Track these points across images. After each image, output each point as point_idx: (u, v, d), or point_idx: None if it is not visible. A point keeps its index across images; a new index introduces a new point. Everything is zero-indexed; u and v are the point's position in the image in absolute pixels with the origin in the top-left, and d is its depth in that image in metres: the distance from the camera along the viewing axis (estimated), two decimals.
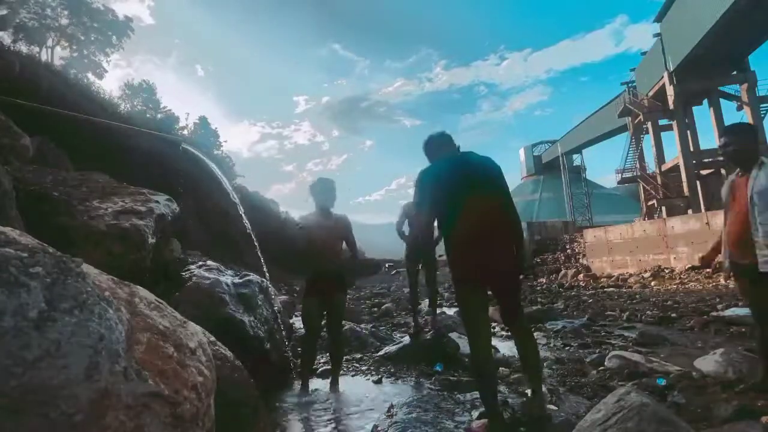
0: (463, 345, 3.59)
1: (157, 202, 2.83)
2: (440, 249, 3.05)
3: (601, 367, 3.20)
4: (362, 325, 5.03)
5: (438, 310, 4.44)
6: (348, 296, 3.74)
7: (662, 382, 2.66)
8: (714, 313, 5.22)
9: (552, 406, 2.43)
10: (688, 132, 22.50)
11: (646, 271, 11.97)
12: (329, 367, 3.48)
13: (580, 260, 15.90)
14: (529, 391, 2.35)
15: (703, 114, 24.17)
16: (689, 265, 11.02)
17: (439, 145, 2.46)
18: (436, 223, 2.61)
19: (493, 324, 5.90)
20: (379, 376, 3.23)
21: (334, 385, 3.08)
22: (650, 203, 24.39)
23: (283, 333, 3.30)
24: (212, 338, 1.71)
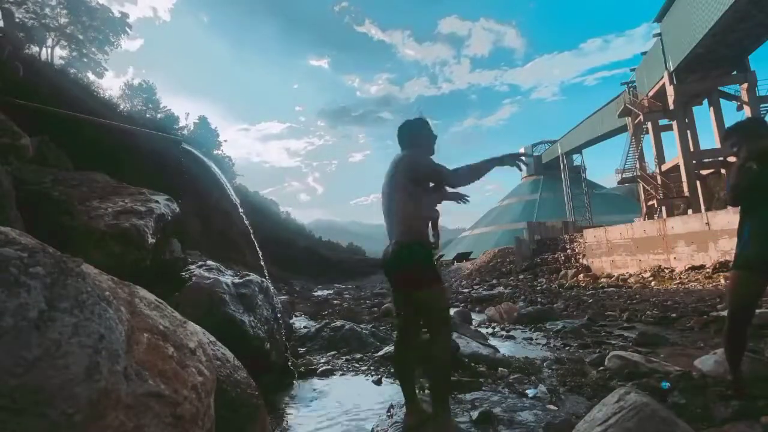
0: (463, 345, 3.59)
1: (157, 202, 2.82)
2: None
3: (601, 367, 3.20)
4: (362, 325, 5.03)
5: None
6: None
7: (666, 386, 2.62)
8: (714, 313, 5.22)
9: (552, 406, 2.43)
10: (688, 132, 22.50)
11: (646, 271, 11.97)
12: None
13: (580, 260, 15.91)
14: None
15: (703, 114, 24.16)
16: (689, 265, 11.03)
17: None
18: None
19: (493, 324, 5.91)
20: (379, 376, 3.23)
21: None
22: (650, 203, 24.40)
23: (284, 333, 3.29)
24: (212, 338, 1.71)
